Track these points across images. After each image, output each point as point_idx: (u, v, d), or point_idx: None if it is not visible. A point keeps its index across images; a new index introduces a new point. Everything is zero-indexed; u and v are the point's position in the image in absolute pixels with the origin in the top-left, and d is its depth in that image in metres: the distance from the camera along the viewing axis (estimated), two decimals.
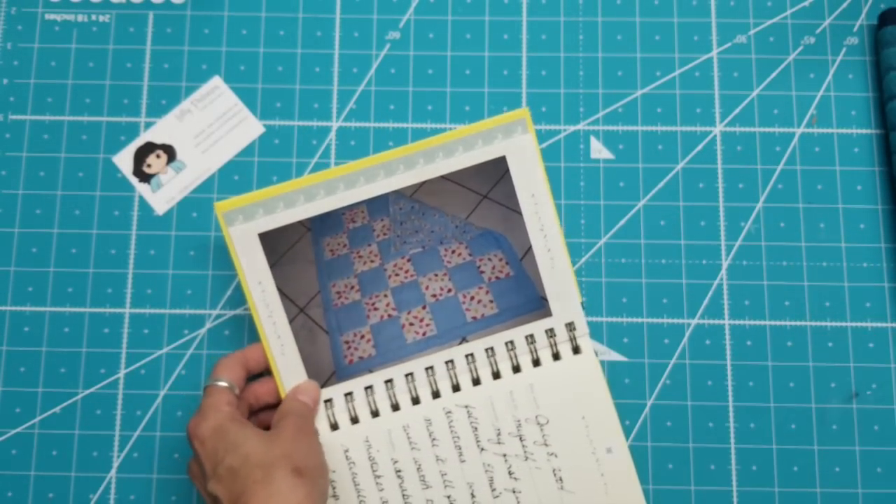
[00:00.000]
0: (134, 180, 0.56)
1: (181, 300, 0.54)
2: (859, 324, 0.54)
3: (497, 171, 0.51)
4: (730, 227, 0.55)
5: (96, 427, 0.53)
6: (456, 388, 0.51)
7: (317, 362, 0.50)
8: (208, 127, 0.56)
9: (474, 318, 0.51)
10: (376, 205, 0.51)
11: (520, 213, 0.51)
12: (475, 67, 0.57)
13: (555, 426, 0.50)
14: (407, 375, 0.51)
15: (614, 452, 0.50)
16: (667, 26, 0.58)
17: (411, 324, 0.51)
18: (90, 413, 0.53)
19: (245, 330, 0.54)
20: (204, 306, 0.54)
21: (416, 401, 0.50)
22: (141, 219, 0.55)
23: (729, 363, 0.53)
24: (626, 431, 0.53)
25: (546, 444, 0.50)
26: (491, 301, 0.51)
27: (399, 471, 0.50)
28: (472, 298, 0.51)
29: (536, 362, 0.51)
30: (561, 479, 0.50)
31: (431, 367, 0.51)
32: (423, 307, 0.51)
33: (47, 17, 0.58)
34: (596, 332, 0.54)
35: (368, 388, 0.50)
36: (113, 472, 0.52)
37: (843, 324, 0.54)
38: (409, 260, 0.51)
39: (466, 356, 0.51)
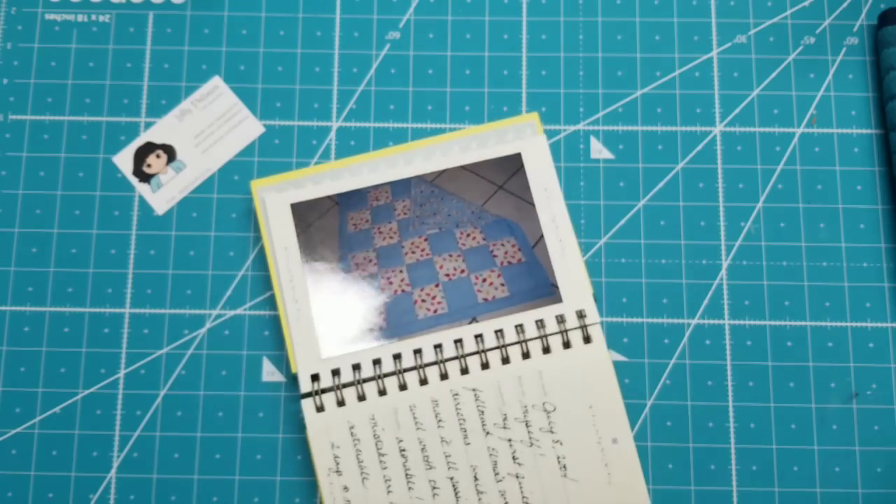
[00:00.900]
0: (134, 180, 0.56)
1: (181, 300, 0.54)
2: (859, 324, 0.54)
3: (512, 165, 0.54)
4: (730, 227, 0.55)
5: (96, 427, 0.53)
6: (464, 370, 0.51)
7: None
8: (208, 127, 0.56)
9: (485, 299, 0.52)
10: (399, 187, 0.54)
11: (532, 205, 0.54)
12: (475, 67, 0.57)
13: (561, 414, 0.50)
14: (415, 351, 0.51)
15: (619, 443, 0.50)
16: (667, 26, 0.58)
17: (423, 300, 0.52)
18: (90, 413, 0.53)
19: (245, 329, 0.54)
20: (204, 306, 0.54)
21: (423, 381, 0.51)
22: (141, 219, 0.55)
23: (729, 363, 0.53)
24: None
25: (552, 432, 0.50)
26: (502, 284, 0.53)
27: (403, 450, 0.50)
28: (484, 280, 0.53)
29: (546, 350, 0.51)
30: (565, 467, 0.50)
31: (440, 345, 0.51)
32: (436, 285, 0.53)
33: (47, 17, 0.58)
34: None
35: (376, 360, 0.51)
36: (113, 472, 0.52)
37: (843, 324, 0.54)
38: (425, 239, 0.54)
39: (475, 336, 0.52)
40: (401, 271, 0.53)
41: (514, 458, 0.50)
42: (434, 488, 0.50)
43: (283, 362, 0.53)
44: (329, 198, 0.54)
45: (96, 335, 0.54)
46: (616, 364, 0.53)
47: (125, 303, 0.54)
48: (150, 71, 0.57)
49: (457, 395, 0.51)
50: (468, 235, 0.54)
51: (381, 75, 0.57)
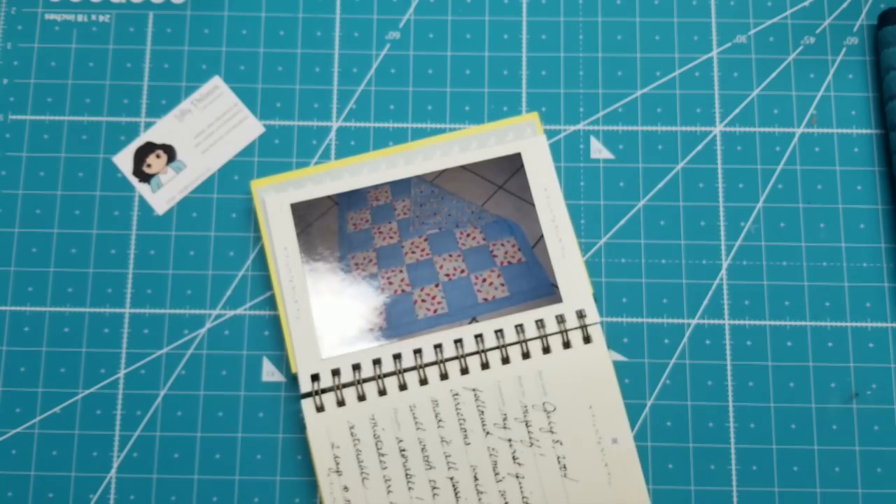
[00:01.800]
0: (134, 180, 0.56)
1: (181, 300, 0.54)
2: (859, 324, 0.54)
3: (512, 165, 0.54)
4: (730, 227, 0.55)
5: (96, 427, 0.53)
6: (464, 371, 0.51)
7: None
8: (208, 127, 0.56)
9: (485, 299, 0.52)
10: (399, 187, 0.54)
11: (532, 205, 0.54)
12: (475, 67, 0.57)
13: (561, 414, 0.51)
14: (415, 351, 0.51)
15: (620, 443, 0.50)
16: (667, 26, 0.58)
17: (423, 300, 0.52)
18: (90, 413, 0.53)
19: (245, 329, 0.54)
20: (204, 306, 0.54)
21: (423, 381, 0.51)
22: (141, 219, 0.55)
23: (729, 363, 0.53)
24: None
25: (552, 432, 0.50)
26: (502, 284, 0.53)
27: (403, 450, 0.50)
28: (484, 280, 0.53)
29: (546, 350, 0.51)
30: (565, 467, 0.50)
31: (440, 345, 0.51)
32: (436, 285, 0.53)
33: (47, 17, 0.58)
34: None
35: (376, 360, 0.51)
36: (113, 472, 0.52)
37: (843, 324, 0.54)
38: (425, 239, 0.54)
39: (475, 336, 0.52)
40: (401, 271, 0.53)
41: (514, 458, 0.50)
42: (434, 488, 0.50)
43: (283, 362, 0.53)
44: (329, 198, 0.54)
45: (96, 335, 0.54)
46: (616, 364, 0.53)
47: (125, 303, 0.54)
48: (150, 71, 0.57)
49: (457, 395, 0.51)
50: (468, 235, 0.54)
51: (381, 75, 0.57)
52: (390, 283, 0.53)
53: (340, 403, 0.51)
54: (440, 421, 0.51)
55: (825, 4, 0.58)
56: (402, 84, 0.57)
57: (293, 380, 0.53)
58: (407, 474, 0.50)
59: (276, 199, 0.54)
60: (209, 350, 0.53)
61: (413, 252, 0.53)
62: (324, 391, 0.51)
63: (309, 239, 0.53)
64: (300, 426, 0.52)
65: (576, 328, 0.52)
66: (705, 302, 0.54)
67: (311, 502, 0.52)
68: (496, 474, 0.50)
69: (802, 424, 0.52)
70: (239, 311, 0.54)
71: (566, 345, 0.52)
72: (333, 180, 0.54)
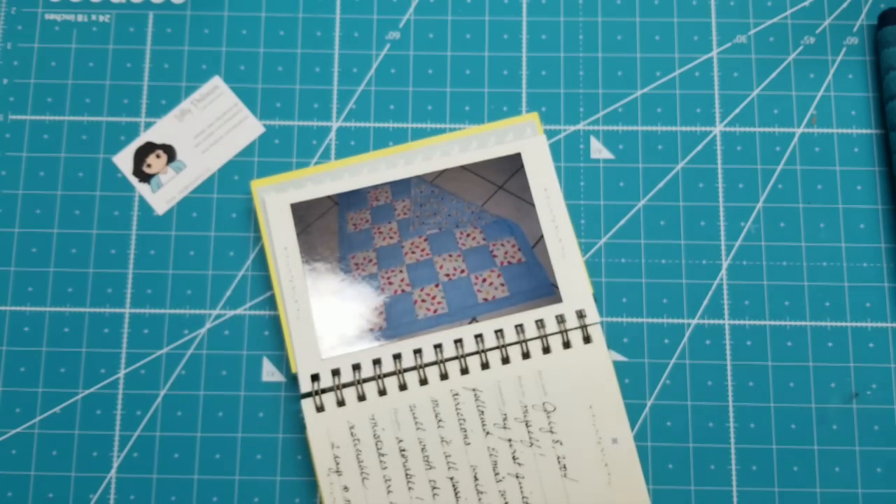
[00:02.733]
0: (134, 180, 0.56)
1: (181, 300, 0.54)
2: (859, 324, 0.54)
3: (512, 165, 0.54)
4: (730, 227, 0.55)
5: (96, 427, 0.53)
6: (464, 371, 0.51)
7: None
8: (208, 127, 0.56)
9: (485, 299, 0.52)
10: (399, 187, 0.54)
11: (532, 205, 0.54)
12: (475, 67, 0.57)
13: (561, 414, 0.50)
14: (415, 351, 0.51)
15: (620, 443, 0.50)
16: (667, 26, 0.58)
17: (423, 300, 0.52)
18: (90, 413, 0.53)
19: (245, 329, 0.54)
20: (204, 306, 0.54)
21: (423, 381, 0.51)
22: (141, 219, 0.55)
23: (729, 363, 0.53)
24: None
25: (552, 432, 0.50)
26: (502, 284, 0.53)
27: (403, 450, 0.50)
28: (484, 280, 0.53)
29: (546, 349, 0.51)
30: (565, 467, 0.50)
31: (440, 345, 0.51)
32: (436, 285, 0.53)
33: (47, 17, 0.58)
34: None
35: (376, 360, 0.51)
36: (113, 472, 0.52)
37: (843, 324, 0.54)
38: (425, 239, 0.54)
39: (475, 336, 0.52)
40: (401, 271, 0.53)
41: (514, 458, 0.50)
42: (434, 488, 0.50)
43: (283, 362, 0.53)
44: (329, 198, 0.54)
45: (96, 335, 0.54)
46: (616, 364, 0.53)
47: (125, 303, 0.54)
48: (150, 71, 0.57)
49: (457, 395, 0.51)
50: (468, 235, 0.54)
51: (381, 75, 0.57)
52: (390, 283, 0.53)
53: (340, 403, 0.51)
54: (440, 421, 0.51)
55: (825, 4, 0.58)
56: (402, 84, 0.57)
57: (293, 380, 0.53)
58: (407, 474, 0.50)
59: (276, 199, 0.54)
60: (209, 350, 0.53)
61: (413, 252, 0.53)
62: (324, 391, 0.51)
63: (309, 239, 0.53)
64: (300, 426, 0.52)
65: (576, 328, 0.52)
66: (705, 302, 0.54)
67: (311, 502, 0.52)
68: (496, 474, 0.50)
69: (802, 424, 0.52)
70: (239, 311, 0.54)
71: (566, 345, 0.52)
72: (333, 180, 0.54)
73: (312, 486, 0.52)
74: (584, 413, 0.51)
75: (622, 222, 0.55)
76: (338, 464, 0.50)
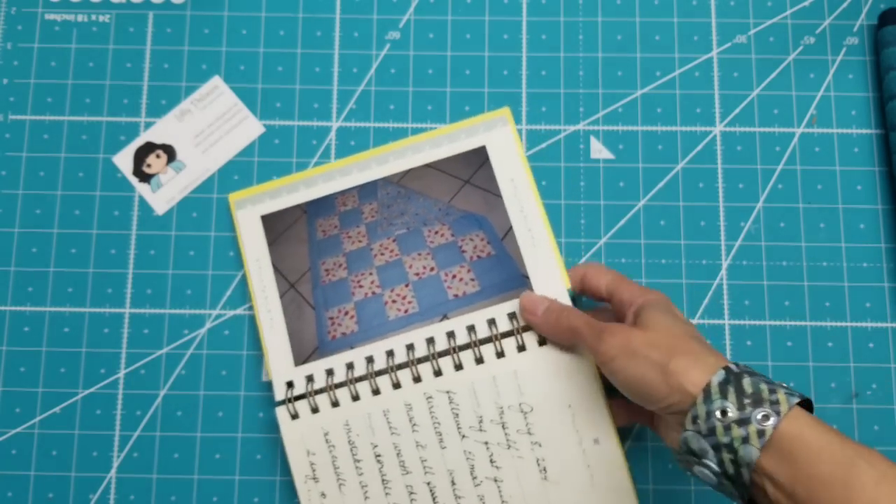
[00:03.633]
0: (134, 180, 0.56)
1: (181, 300, 0.54)
2: (859, 324, 0.54)
3: (478, 159, 0.54)
4: (730, 227, 0.55)
5: (96, 427, 0.53)
6: (437, 372, 0.50)
7: (301, 338, 0.52)
8: (208, 127, 0.56)
9: (456, 295, 0.52)
10: (366, 190, 0.54)
11: (499, 196, 0.53)
12: (475, 67, 0.57)
13: (539, 414, 0.49)
14: (388, 352, 0.51)
15: (602, 443, 0.49)
16: (667, 26, 0.58)
17: (394, 301, 0.52)
18: (90, 413, 0.53)
19: (245, 329, 0.54)
20: (204, 306, 0.54)
21: (396, 385, 0.50)
22: (141, 219, 0.55)
23: None
24: (627, 431, 0.53)
25: (530, 433, 0.49)
26: (472, 279, 0.52)
27: (378, 455, 0.50)
28: (454, 277, 0.52)
29: (521, 347, 0.50)
30: (545, 470, 0.49)
31: (412, 345, 0.51)
32: (407, 285, 0.52)
33: (47, 17, 0.58)
34: None
35: (349, 364, 0.51)
36: (113, 472, 0.52)
37: (843, 324, 0.54)
38: (394, 240, 0.53)
39: (447, 334, 0.51)
40: (371, 273, 0.53)
41: (491, 461, 0.49)
42: (411, 493, 0.49)
43: None
44: (298, 207, 0.54)
45: (96, 335, 0.54)
46: None
47: (125, 303, 0.54)
48: (150, 71, 0.57)
49: (430, 398, 0.50)
50: (436, 233, 0.53)
51: (381, 75, 0.57)
52: (360, 287, 0.52)
53: (314, 410, 0.50)
54: (414, 425, 0.50)
55: (825, 4, 0.58)
56: (402, 84, 0.57)
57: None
58: (383, 480, 0.49)
59: (247, 213, 0.54)
60: (209, 350, 0.53)
61: (382, 254, 0.53)
62: (297, 398, 0.51)
63: (279, 249, 0.53)
64: None
65: None
66: (705, 302, 0.54)
67: None
68: (474, 478, 0.49)
69: None
70: (239, 311, 0.54)
71: (541, 342, 0.50)
72: (308, 187, 0.54)
73: None
74: (562, 413, 0.49)
75: (622, 222, 0.55)
76: (314, 470, 0.50)
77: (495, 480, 0.49)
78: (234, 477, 0.52)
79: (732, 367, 0.40)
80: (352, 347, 0.51)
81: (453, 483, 0.49)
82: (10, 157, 0.56)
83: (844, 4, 0.58)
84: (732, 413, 0.38)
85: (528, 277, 0.51)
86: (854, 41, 0.57)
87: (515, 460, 0.49)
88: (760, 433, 0.38)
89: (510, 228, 0.52)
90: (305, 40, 0.58)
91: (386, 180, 0.54)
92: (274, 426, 0.52)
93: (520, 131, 0.56)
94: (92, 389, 0.53)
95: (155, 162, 0.56)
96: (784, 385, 0.40)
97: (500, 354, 0.50)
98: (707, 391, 0.39)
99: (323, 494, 0.49)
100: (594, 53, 0.57)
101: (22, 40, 0.57)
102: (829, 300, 0.54)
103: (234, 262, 0.55)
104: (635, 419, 0.48)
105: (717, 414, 0.39)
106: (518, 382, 0.50)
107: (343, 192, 0.54)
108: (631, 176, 0.56)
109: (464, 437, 0.49)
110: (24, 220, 0.55)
